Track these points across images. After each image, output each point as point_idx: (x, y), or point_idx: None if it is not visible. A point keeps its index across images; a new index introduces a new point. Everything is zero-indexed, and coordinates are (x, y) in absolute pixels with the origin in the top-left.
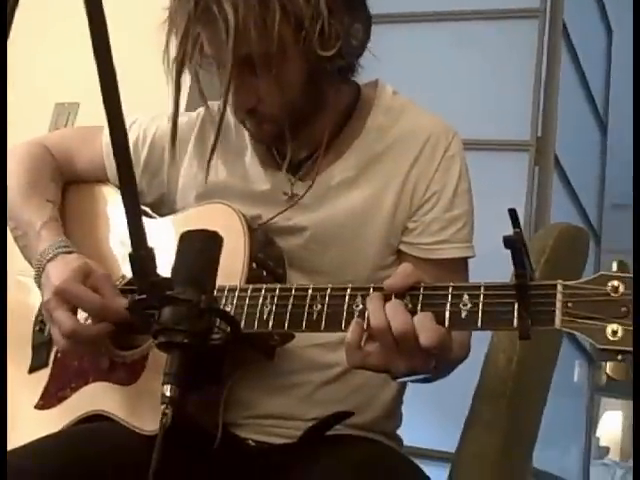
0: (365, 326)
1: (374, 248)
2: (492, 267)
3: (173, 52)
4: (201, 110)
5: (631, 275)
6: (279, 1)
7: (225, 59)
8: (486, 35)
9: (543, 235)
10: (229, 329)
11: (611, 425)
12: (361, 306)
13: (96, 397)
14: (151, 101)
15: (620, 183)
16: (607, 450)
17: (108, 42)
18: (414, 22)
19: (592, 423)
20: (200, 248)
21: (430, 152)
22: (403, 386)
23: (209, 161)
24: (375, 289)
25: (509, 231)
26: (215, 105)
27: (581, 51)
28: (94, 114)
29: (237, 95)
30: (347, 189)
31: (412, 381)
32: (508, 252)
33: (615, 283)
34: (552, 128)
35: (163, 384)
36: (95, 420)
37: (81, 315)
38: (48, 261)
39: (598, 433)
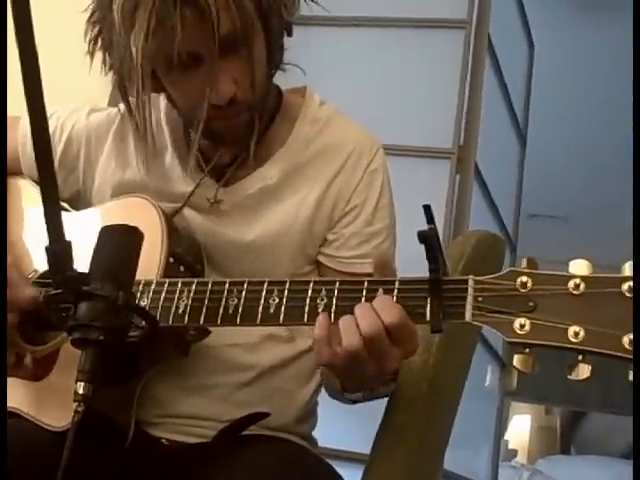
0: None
1: (290, 257)
2: (412, 272)
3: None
4: (121, 105)
5: (540, 272)
6: None
7: (209, 44)
8: (413, 43)
9: (461, 241)
10: (145, 324)
11: (519, 428)
12: (277, 300)
13: None
14: (70, 93)
15: (536, 194)
16: (515, 453)
17: (31, 23)
18: (341, 26)
19: (501, 426)
20: (119, 243)
21: (352, 165)
22: (318, 388)
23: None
24: (292, 283)
25: None
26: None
27: (504, 64)
28: (12, 101)
29: (221, 83)
30: (266, 198)
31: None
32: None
33: (524, 279)
34: (474, 137)
35: (77, 381)
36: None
37: None
38: None
39: (507, 436)
